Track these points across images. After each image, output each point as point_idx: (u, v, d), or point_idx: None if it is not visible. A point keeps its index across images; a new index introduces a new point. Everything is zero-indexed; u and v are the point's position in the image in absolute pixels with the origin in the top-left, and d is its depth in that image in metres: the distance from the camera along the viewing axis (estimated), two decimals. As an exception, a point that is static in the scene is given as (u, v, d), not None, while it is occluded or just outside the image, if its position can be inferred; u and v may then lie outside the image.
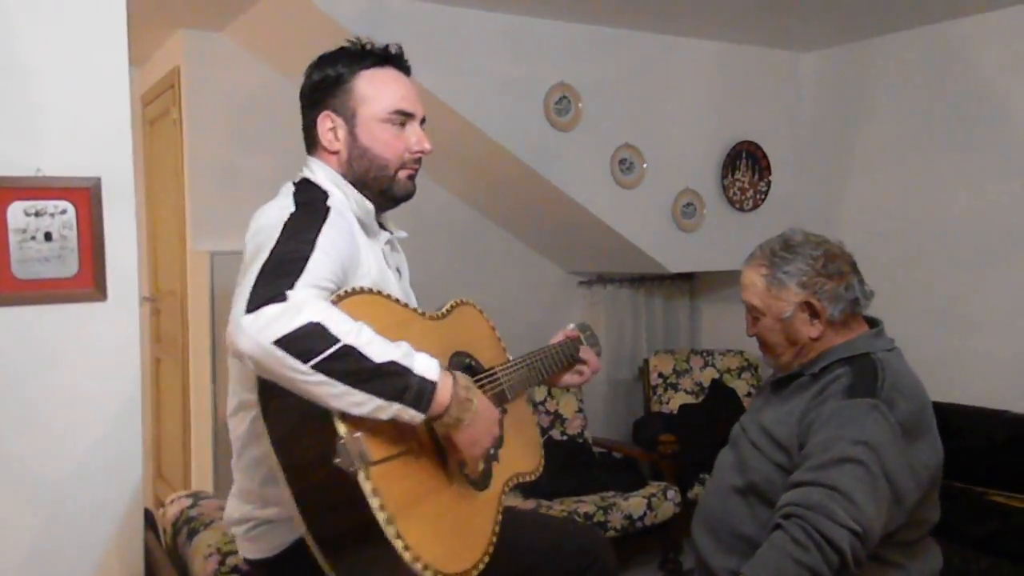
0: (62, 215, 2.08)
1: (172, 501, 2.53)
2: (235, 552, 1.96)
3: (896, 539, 1.71)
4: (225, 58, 3.77)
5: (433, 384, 1.35)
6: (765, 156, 4.35)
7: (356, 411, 1.30)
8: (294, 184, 1.63)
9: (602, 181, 3.89)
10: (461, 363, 1.68)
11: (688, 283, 4.89)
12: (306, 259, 1.37)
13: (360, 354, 1.28)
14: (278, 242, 1.40)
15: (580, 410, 4.20)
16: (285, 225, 1.45)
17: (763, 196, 4.38)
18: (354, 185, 1.65)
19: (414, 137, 1.68)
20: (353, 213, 1.63)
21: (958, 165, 3.85)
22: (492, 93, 3.58)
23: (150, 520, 2.30)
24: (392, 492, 1.32)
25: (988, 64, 3.73)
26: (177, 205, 3.94)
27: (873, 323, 1.94)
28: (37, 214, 2.05)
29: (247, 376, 1.56)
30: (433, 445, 1.48)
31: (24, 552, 2.08)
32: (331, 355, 1.26)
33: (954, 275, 3.88)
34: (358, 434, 1.30)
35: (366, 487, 1.28)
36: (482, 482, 1.58)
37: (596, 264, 4.58)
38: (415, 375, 1.33)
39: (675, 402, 4.36)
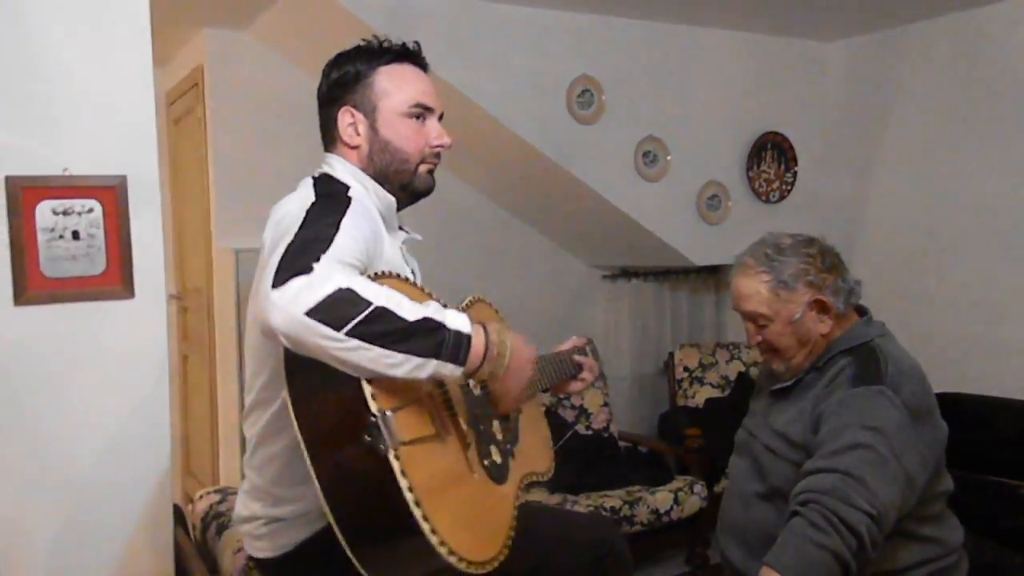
0: (89, 214, 2.10)
1: (201, 497, 2.55)
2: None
3: (922, 513, 1.76)
4: (248, 57, 3.79)
5: (468, 336, 1.35)
6: (791, 147, 4.31)
7: (395, 372, 1.29)
8: (313, 178, 1.63)
9: (626, 174, 3.87)
10: None
11: (714, 276, 4.85)
12: (331, 239, 1.37)
13: (394, 315, 1.28)
14: (301, 227, 1.41)
15: (605, 404, 4.19)
16: (308, 212, 1.45)
17: (789, 187, 4.33)
18: (375, 179, 1.65)
19: (434, 131, 1.69)
20: (374, 206, 1.63)
21: (987, 154, 3.79)
22: (514, 87, 3.57)
23: (179, 516, 2.32)
24: (420, 475, 1.32)
25: (1019, 51, 3.66)
26: (202, 203, 3.97)
27: (861, 311, 1.98)
28: (65, 213, 2.07)
29: (265, 371, 1.56)
30: (456, 434, 1.48)
31: (54, 548, 2.10)
32: (365, 318, 1.26)
33: (984, 265, 3.82)
34: (389, 412, 1.30)
35: (396, 467, 1.28)
36: (500, 476, 1.58)
37: (620, 258, 4.56)
38: (450, 329, 1.33)
39: (701, 396, 4.33)
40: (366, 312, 1.26)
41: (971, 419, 3.41)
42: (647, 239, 4.04)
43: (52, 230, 2.06)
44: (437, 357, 1.32)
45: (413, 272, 1.76)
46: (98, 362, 2.13)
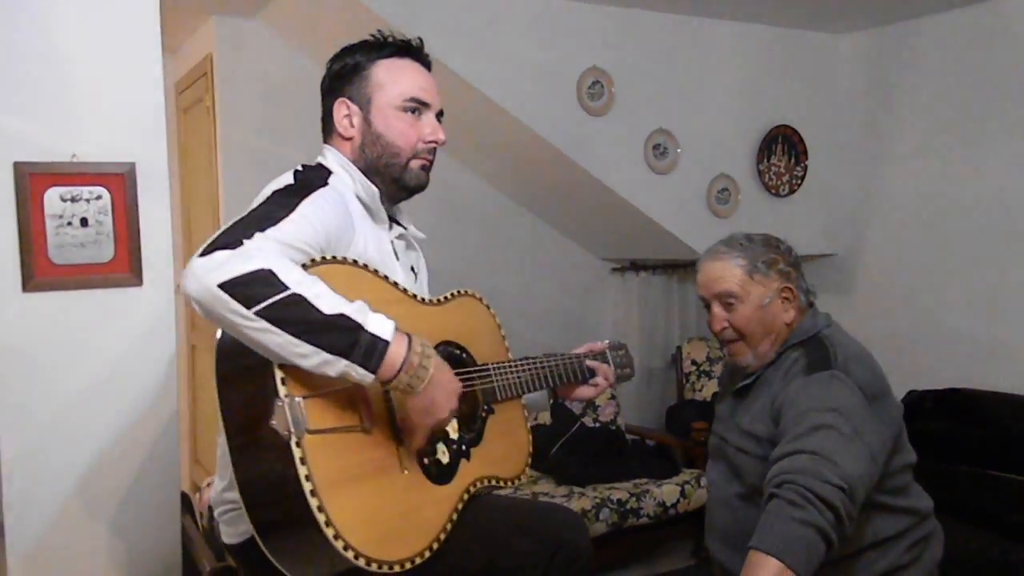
0: (97, 200, 2.10)
1: (208, 485, 2.55)
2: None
3: (891, 485, 1.81)
4: (257, 45, 3.78)
5: (385, 343, 1.31)
6: (802, 140, 4.28)
7: (303, 363, 1.27)
8: (302, 165, 1.63)
9: (636, 166, 3.85)
10: (449, 353, 1.63)
11: (722, 270, 4.83)
12: (279, 219, 1.36)
13: (309, 304, 1.26)
14: (258, 205, 1.41)
15: (613, 397, 4.18)
16: (273, 193, 1.46)
17: (799, 181, 4.31)
18: (365, 172, 1.64)
19: (428, 127, 1.66)
20: (357, 196, 1.62)
21: (998, 148, 3.76)
22: (524, 78, 3.56)
23: (187, 504, 2.32)
24: (326, 465, 1.29)
25: (1033, 44, 3.64)
26: (211, 192, 3.97)
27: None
28: (73, 200, 2.07)
29: None
30: (390, 429, 1.44)
31: (62, 536, 2.11)
32: (277, 302, 1.24)
33: (995, 260, 3.79)
34: (299, 399, 1.28)
35: (295, 453, 1.26)
36: (441, 476, 1.52)
37: (629, 251, 4.54)
38: (366, 332, 1.30)
39: (708, 390, 4.31)
40: (280, 296, 1.25)
41: (979, 415, 3.40)
42: (656, 232, 4.03)
43: (60, 217, 2.06)
44: (347, 357, 1.28)
45: (413, 269, 1.74)
46: (106, 349, 2.14)
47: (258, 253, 1.27)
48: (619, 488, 3.59)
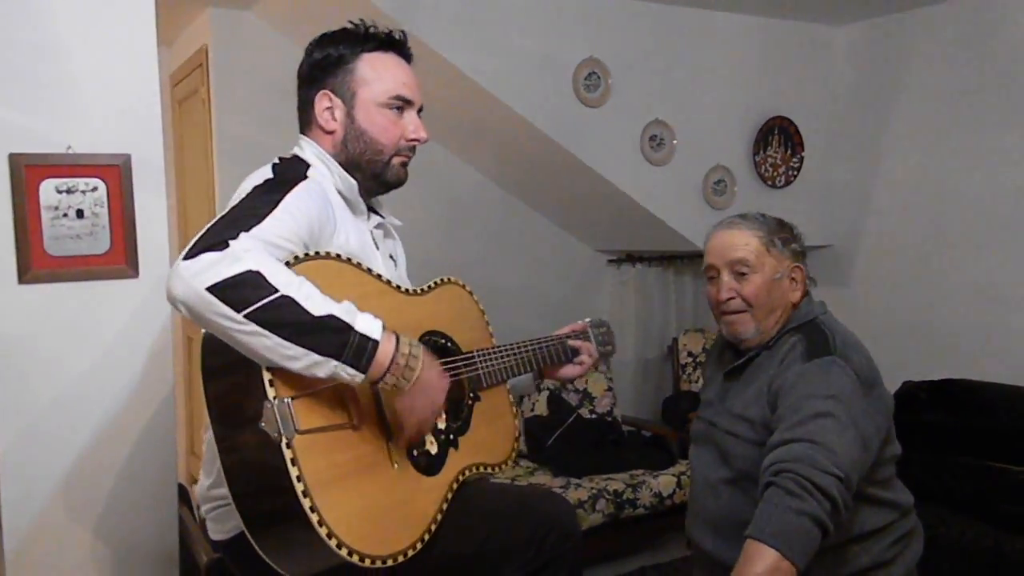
0: (93, 192, 2.09)
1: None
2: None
3: (877, 477, 1.81)
4: (253, 37, 3.77)
5: (375, 343, 1.32)
6: (798, 132, 4.28)
7: (292, 366, 1.27)
8: (279, 158, 1.63)
9: (632, 158, 3.85)
10: (435, 343, 1.64)
11: (718, 261, 4.84)
12: (263, 216, 1.35)
13: (299, 306, 1.26)
14: (240, 202, 1.40)
15: (609, 388, 4.19)
16: (254, 189, 1.45)
17: (795, 172, 4.32)
18: (346, 166, 1.64)
19: (411, 125, 1.66)
20: (336, 188, 1.61)
21: (994, 140, 3.77)
22: (520, 69, 3.55)
23: (184, 495, 2.32)
24: (316, 465, 1.30)
25: (1029, 35, 3.64)
26: (207, 185, 3.96)
27: None
28: (69, 191, 2.07)
29: None
30: (380, 425, 1.45)
31: (58, 527, 2.11)
32: (266, 305, 1.23)
33: (991, 252, 3.80)
34: (288, 399, 1.28)
35: (286, 455, 1.26)
36: (431, 467, 1.54)
37: (626, 242, 4.55)
38: (356, 332, 1.30)
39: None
40: (269, 299, 1.24)
41: (974, 406, 3.40)
42: (653, 224, 4.03)
43: (56, 208, 2.06)
44: (337, 358, 1.28)
45: (392, 257, 1.74)
46: (102, 341, 2.14)
47: (245, 255, 1.26)
48: (615, 479, 3.60)
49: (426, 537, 1.45)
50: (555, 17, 3.63)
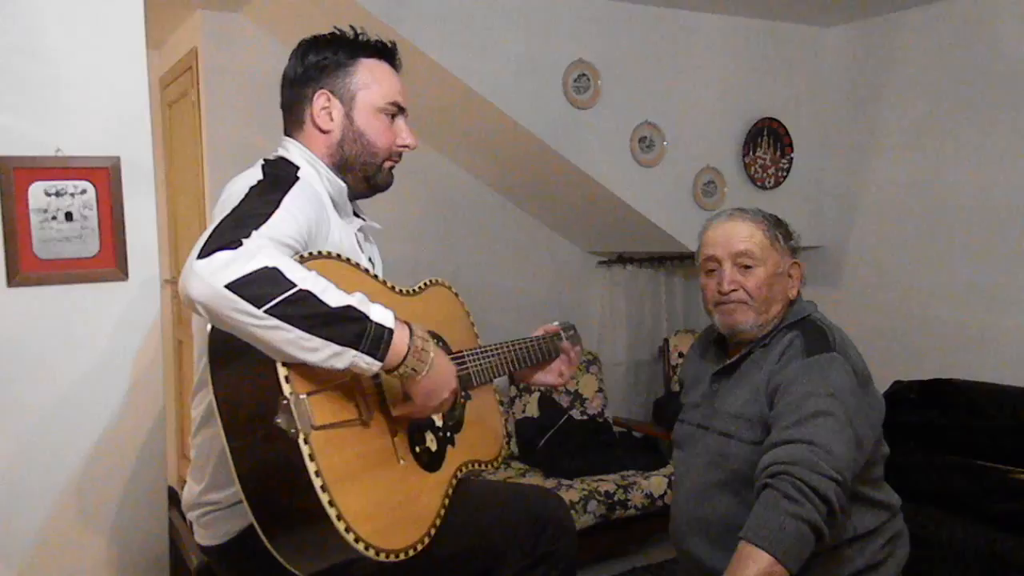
0: (82, 195, 2.09)
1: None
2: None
3: (868, 476, 1.81)
4: (243, 39, 3.76)
5: (390, 331, 1.34)
6: (787, 133, 4.29)
7: (311, 358, 1.28)
8: (265, 159, 1.64)
9: (622, 159, 3.86)
10: None
11: (709, 262, 4.85)
12: (268, 215, 1.37)
13: (317, 299, 1.28)
14: (241, 202, 1.41)
15: (600, 390, 4.20)
16: (250, 189, 1.46)
17: (785, 174, 4.33)
18: (337, 167, 1.66)
19: (404, 131, 1.71)
20: (325, 190, 1.63)
21: (983, 140, 3.79)
22: (510, 71, 3.55)
23: (174, 498, 2.32)
24: (332, 460, 1.31)
25: (1016, 36, 3.66)
26: (196, 187, 3.96)
27: None
28: (57, 194, 2.07)
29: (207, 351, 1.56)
30: (384, 421, 1.47)
31: (48, 530, 2.11)
32: (286, 299, 1.25)
33: (980, 253, 3.82)
34: (303, 396, 1.29)
35: (304, 451, 1.27)
36: (432, 463, 1.57)
37: (616, 244, 4.55)
38: (372, 322, 1.32)
39: (696, 382, 4.34)
40: (288, 293, 1.25)
41: (965, 405, 3.42)
42: (643, 225, 4.04)
43: (45, 211, 2.06)
44: (356, 348, 1.31)
45: (371, 260, 1.76)
46: (92, 344, 2.13)
47: (259, 252, 1.27)
48: (606, 480, 3.60)
49: (432, 532, 1.48)
50: (545, 19, 3.63)
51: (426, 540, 1.45)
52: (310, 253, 1.41)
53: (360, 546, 1.30)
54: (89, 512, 2.15)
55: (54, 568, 2.12)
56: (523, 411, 4.06)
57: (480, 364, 1.76)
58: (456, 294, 1.83)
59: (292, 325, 1.25)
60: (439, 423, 1.63)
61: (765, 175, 4.28)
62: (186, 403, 4.46)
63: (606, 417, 4.17)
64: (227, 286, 1.23)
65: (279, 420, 1.27)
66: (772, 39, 4.25)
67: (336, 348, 1.29)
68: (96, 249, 2.12)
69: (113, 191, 2.12)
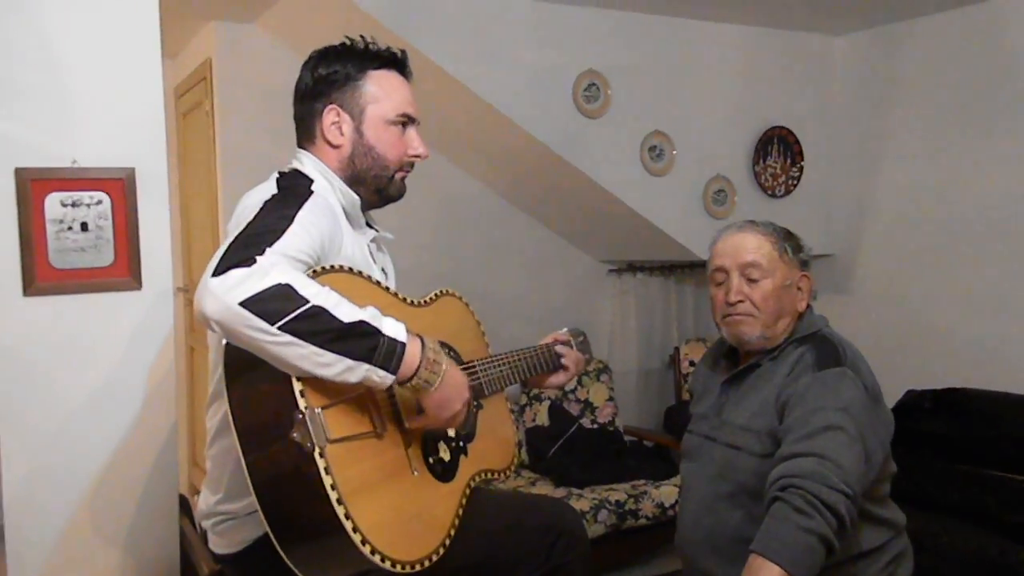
0: (97, 205, 2.11)
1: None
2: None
3: (876, 493, 1.81)
4: (257, 50, 3.79)
5: (403, 345, 1.36)
6: (797, 141, 4.30)
7: (325, 372, 1.30)
8: (280, 173, 1.66)
9: (632, 168, 3.87)
10: None
11: (719, 271, 4.84)
12: (281, 232, 1.38)
13: (330, 315, 1.29)
14: (254, 219, 1.42)
15: (611, 399, 4.19)
16: (264, 204, 1.48)
17: (795, 182, 4.32)
18: (349, 180, 1.67)
19: (415, 141, 1.72)
20: (338, 202, 1.64)
21: (994, 149, 3.78)
22: (520, 81, 3.57)
23: (185, 506, 2.33)
24: (347, 473, 1.32)
25: (1027, 45, 3.65)
26: (210, 197, 3.98)
27: None
28: (73, 204, 2.09)
29: (222, 362, 1.57)
30: (398, 432, 1.48)
31: (63, 537, 2.12)
32: (299, 315, 1.27)
33: (991, 260, 3.81)
34: (318, 410, 1.31)
35: (320, 464, 1.29)
36: (446, 474, 1.58)
37: (626, 252, 4.55)
38: (385, 335, 1.34)
39: (707, 390, 4.33)
40: (302, 309, 1.27)
41: (978, 414, 3.40)
42: (653, 234, 4.04)
43: (61, 222, 2.07)
44: (369, 362, 1.32)
45: (384, 270, 1.77)
46: (105, 353, 2.15)
47: (272, 269, 1.29)
48: (617, 489, 3.60)
49: (447, 542, 1.48)
50: (555, 28, 3.65)
51: (441, 551, 1.46)
52: (323, 267, 1.42)
53: (376, 558, 1.31)
54: (101, 519, 2.16)
55: (66, 574, 2.13)
56: (533, 420, 4.06)
57: (491, 373, 1.76)
58: (466, 304, 1.84)
59: (305, 341, 1.27)
60: (451, 433, 1.64)
61: (776, 183, 4.28)
62: (197, 410, 4.48)
63: (617, 426, 4.17)
64: (241, 303, 1.25)
65: (295, 434, 1.29)
66: (782, 48, 4.26)
67: (349, 363, 1.30)
68: (111, 259, 2.13)
69: (128, 201, 2.14)
